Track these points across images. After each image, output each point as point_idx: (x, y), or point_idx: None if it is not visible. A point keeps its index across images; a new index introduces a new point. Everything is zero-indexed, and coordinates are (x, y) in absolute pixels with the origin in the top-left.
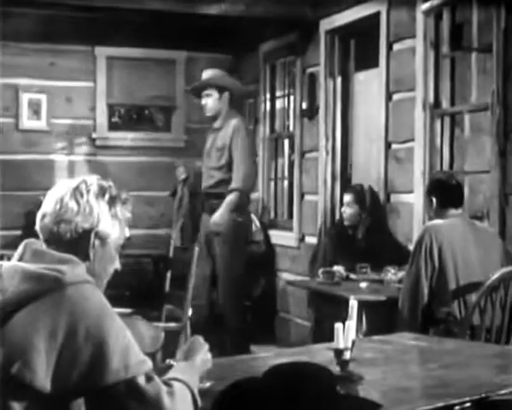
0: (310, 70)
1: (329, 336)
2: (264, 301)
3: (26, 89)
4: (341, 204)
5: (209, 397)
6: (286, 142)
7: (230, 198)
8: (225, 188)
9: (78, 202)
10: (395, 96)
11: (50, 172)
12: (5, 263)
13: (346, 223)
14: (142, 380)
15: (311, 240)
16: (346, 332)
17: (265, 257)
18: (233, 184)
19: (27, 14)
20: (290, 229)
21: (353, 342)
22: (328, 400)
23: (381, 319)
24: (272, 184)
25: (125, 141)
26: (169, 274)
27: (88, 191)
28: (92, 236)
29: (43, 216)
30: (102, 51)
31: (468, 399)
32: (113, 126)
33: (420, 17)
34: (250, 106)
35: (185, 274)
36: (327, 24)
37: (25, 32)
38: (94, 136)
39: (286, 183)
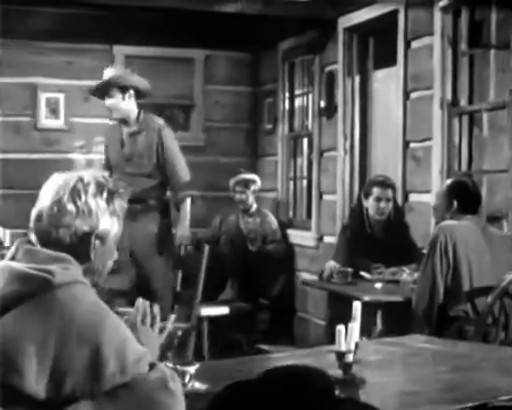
0: (328, 68)
1: None
2: (283, 300)
3: (43, 88)
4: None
5: (205, 399)
6: (305, 141)
7: (186, 206)
8: (149, 194)
9: (76, 204)
10: (413, 95)
11: (69, 171)
12: None
13: (376, 218)
14: (144, 372)
15: (330, 240)
16: (349, 334)
17: (284, 256)
18: (182, 191)
19: (45, 12)
20: (308, 228)
21: (357, 345)
22: (325, 404)
23: (396, 319)
24: (291, 183)
25: None
26: (180, 273)
27: (86, 191)
28: (93, 238)
29: (39, 217)
30: (120, 50)
31: (470, 405)
32: None
33: (438, 14)
34: (269, 105)
35: (195, 273)
36: (345, 22)
37: (43, 30)
38: None
39: (305, 182)
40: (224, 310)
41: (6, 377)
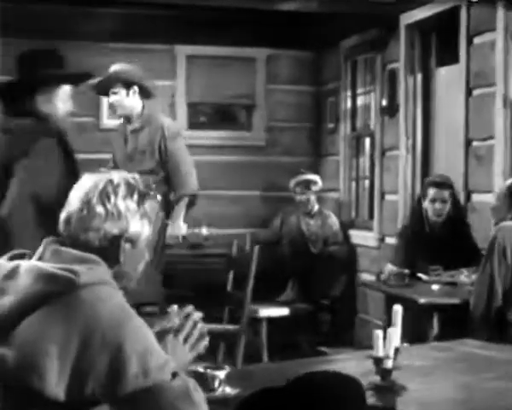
0: (390, 66)
1: None
2: (344, 302)
3: None
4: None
5: (232, 405)
6: (367, 140)
7: (182, 205)
8: None
9: (105, 207)
10: (475, 92)
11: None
12: (24, 262)
13: (434, 219)
14: (167, 380)
15: (392, 240)
16: (388, 339)
17: (345, 257)
18: (182, 190)
19: (108, 13)
20: (370, 229)
21: (397, 350)
22: None
23: (453, 323)
24: (353, 183)
25: (205, 140)
26: (231, 274)
27: (115, 193)
28: (122, 241)
29: (68, 219)
30: (182, 50)
31: None
32: (192, 125)
33: (501, 10)
34: (331, 104)
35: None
36: (407, 18)
37: (104, 31)
38: None
39: (367, 182)
40: (283, 311)
41: (26, 380)
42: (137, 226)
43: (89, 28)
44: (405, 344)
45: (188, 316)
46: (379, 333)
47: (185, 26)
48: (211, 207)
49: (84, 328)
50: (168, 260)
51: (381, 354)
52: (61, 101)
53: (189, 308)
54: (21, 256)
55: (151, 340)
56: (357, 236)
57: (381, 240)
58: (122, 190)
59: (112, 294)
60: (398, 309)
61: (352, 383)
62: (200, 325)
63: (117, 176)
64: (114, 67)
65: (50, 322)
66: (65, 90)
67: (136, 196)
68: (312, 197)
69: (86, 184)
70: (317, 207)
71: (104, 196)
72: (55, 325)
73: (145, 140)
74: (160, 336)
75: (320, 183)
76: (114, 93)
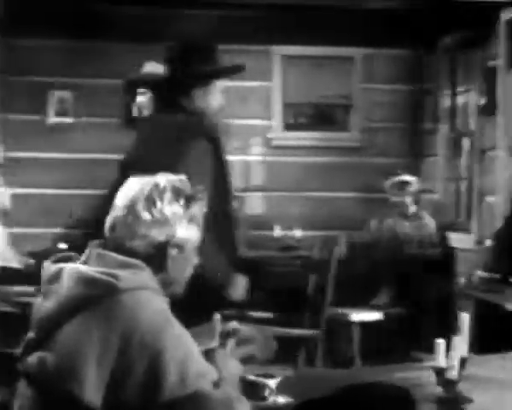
0: (489, 64)
1: None
2: (441, 305)
3: None
4: None
5: None
6: (466, 140)
7: None
8: None
9: (151, 213)
10: None
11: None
12: (67, 266)
13: None
14: (208, 389)
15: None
16: (454, 349)
17: (442, 260)
18: None
19: (203, 15)
20: (469, 231)
21: (463, 360)
22: None
23: None
24: (452, 184)
25: (301, 141)
26: (313, 277)
27: (161, 198)
28: (169, 247)
29: (113, 226)
30: (278, 50)
31: None
32: (289, 126)
33: None
34: (429, 103)
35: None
36: (507, 14)
37: (200, 32)
38: (269, 136)
39: (465, 183)
40: (376, 315)
41: (65, 385)
42: (184, 231)
43: (185, 30)
44: (472, 354)
45: (229, 334)
46: (440, 341)
47: (281, 27)
48: (305, 208)
49: (123, 333)
50: (259, 262)
51: (442, 363)
52: (214, 96)
53: (233, 325)
54: (67, 259)
55: (191, 347)
56: (455, 238)
57: (480, 243)
58: (168, 195)
59: (153, 299)
60: (465, 317)
61: (399, 394)
62: (246, 332)
63: (163, 179)
64: (145, 67)
65: (90, 327)
66: (218, 84)
67: (182, 200)
68: (408, 199)
69: (132, 188)
70: (413, 208)
71: (150, 201)
72: (95, 330)
73: None
74: (207, 354)
75: (416, 184)
76: (142, 94)
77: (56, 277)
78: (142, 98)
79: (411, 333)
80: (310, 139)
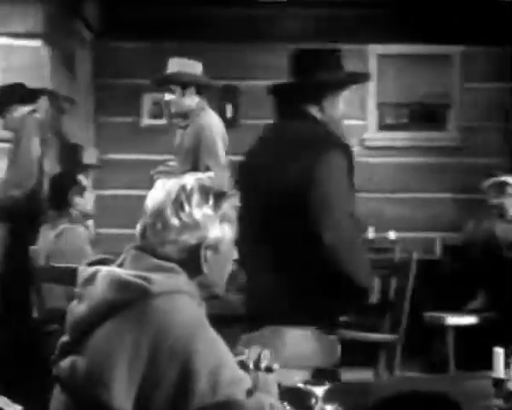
0: None
1: None
2: None
3: None
4: None
5: None
6: None
7: None
8: None
9: (180, 218)
10: None
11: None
12: (103, 268)
13: None
14: (241, 398)
15: None
16: None
17: None
18: None
19: (296, 14)
20: None
21: None
22: None
23: None
24: None
25: (396, 141)
26: (394, 281)
27: (189, 202)
28: (202, 250)
29: (144, 233)
30: (374, 49)
31: None
32: (384, 126)
33: None
34: None
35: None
36: None
37: (293, 32)
38: (364, 136)
39: None
40: (472, 320)
41: (94, 391)
42: (217, 231)
43: (276, 30)
44: None
45: (259, 366)
46: (499, 350)
47: (376, 25)
48: (400, 210)
49: (154, 337)
50: None
51: (501, 375)
52: (340, 104)
53: (266, 354)
54: (104, 262)
55: (225, 354)
56: None
57: None
58: (196, 197)
59: (186, 303)
60: None
61: (450, 406)
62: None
63: (190, 181)
64: (173, 66)
65: (122, 331)
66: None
67: (211, 200)
68: (507, 201)
69: (159, 193)
70: None
71: (178, 206)
72: (126, 335)
73: (187, 139)
74: (243, 365)
75: None
76: (171, 91)
77: (91, 279)
78: (171, 96)
79: (507, 338)
80: (405, 139)
